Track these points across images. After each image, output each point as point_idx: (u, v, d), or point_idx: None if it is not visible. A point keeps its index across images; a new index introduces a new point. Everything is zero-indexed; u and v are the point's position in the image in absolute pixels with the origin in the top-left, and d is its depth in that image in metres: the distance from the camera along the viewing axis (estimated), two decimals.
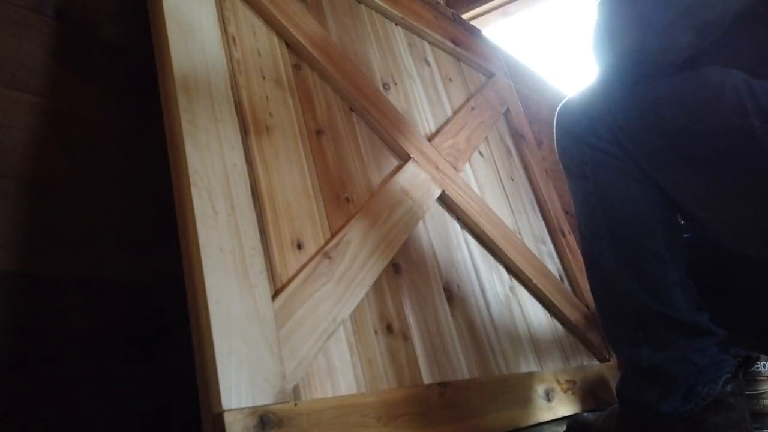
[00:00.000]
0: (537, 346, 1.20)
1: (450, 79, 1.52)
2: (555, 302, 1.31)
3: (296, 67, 1.06)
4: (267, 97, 0.96)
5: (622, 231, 0.82)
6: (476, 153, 1.42)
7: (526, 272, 1.28)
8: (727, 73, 0.73)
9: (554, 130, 0.88)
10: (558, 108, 0.87)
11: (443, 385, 0.90)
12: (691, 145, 0.73)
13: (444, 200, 1.19)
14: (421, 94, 1.36)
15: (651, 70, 0.76)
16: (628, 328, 0.85)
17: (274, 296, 0.77)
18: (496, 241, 1.25)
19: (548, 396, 1.09)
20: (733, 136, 0.69)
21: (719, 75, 0.73)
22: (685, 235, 0.91)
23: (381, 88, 1.23)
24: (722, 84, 0.72)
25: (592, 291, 0.91)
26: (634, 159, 0.80)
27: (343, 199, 0.98)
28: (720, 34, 0.74)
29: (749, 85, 0.70)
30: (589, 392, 1.21)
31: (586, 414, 1.03)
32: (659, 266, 0.81)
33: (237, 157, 0.82)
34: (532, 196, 1.57)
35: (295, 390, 0.73)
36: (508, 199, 1.44)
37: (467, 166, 1.35)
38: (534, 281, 1.29)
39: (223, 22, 0.96)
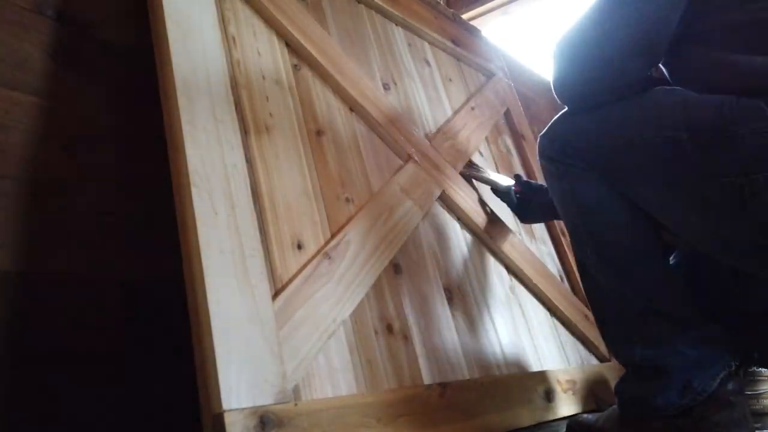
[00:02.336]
0: (537, 346, 1.20)
1: (450, 79, 1.52)
2: (555, 302, 1.31)
3: (296, 67, 1.06)
4: (267, 97, 0.96)
5: (601, 234, 0.88)
6: (476, 153, 1.42)
7: (526, 272, 1.28)
8: (669, 92, 0.80)
9: (537, 158, 0.97)
10: (537, 139, 0.96)
11: (443, 385, 0.90)
12: (636, 157, 0.80)
13: (444, 200, 1.19)
14: (421, 94, 1.36)
15: (608, 97, 0.84)
16: (621, 330, 0.89)
17: (274, 296, 0.77)
18: (496, 241, 1.25)
19: (548, 396, 1.09)
20: (666, 146, 0.76)
21: (662, 95, 0.80)
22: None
23: (381, 88, 1.23)
24: (662, 101, 0.79)
25: (588, 302, 0.97)
26: (599, 171, 0.86)
27: (343, 199, 0.98)
28: (664, 52, 0.82)
29: (685, 100, 0.77)
30: (589, 392, 1.21)
31: (585, 415, 1.03)
32: (643, 263, 0.86)
33: (237, 158, 0.82)
34: None
35: (296, 390, 0.73)
36: None
37: (464, 166, 1.35)
38: (534, 281, 1.29)
39: (223, 23, 0.96)
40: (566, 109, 0.91)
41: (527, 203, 1.25)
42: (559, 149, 0.89)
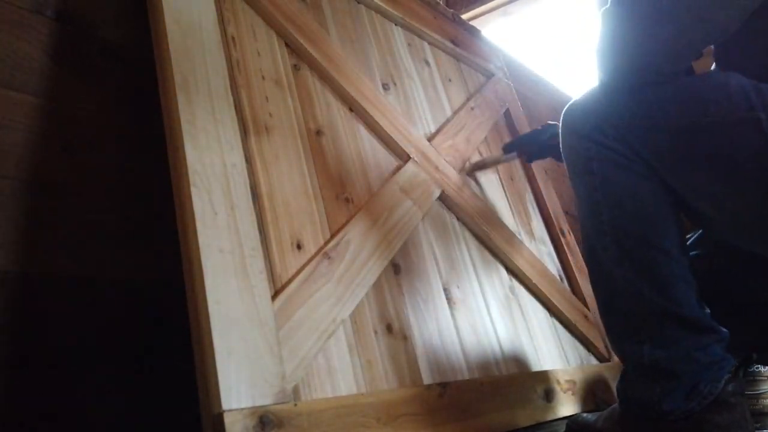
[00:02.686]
0: (537, 346, 1.20)
1: (449, 80, 1.52)
2: (555, 302, 1.31)
3: (296, 67, 1.06)
4: (267, 97, 0.96)
5: (627, 226, 0.82)
6: (476, 153, 1.42)
7: (525, 272, 1.28)
8: (731, 75, 0.74)
9: (560, 130, 0.89)
10: (564, 110, 0.89)
11: (443, 385, 0.90)
12: (698, 140, 0.74)
13: (444, 200, 1.20)
14: (421, 95, 1.36)
15: (656, 78, 0.78)
16: (630, 326, 0.84)
17: (274, 297, 0.77)
18: (496, 241, 1.25)
19: (548, 396, 1.09)
20: (739, 128, 0.71)
21: (724, 76, 0.75)
22: (692, 253, 0.93)
23: (380, 89, 1.23)
24: (727, 83, 0.73)
25: (593, 289, 0.91)
26: (641, 157, 0.81)
27: (343, 199, 0.98)
28: (720, 42, 0.77)
29: (754, 85, 0.71)
30: (589, 392, 1.21)
31: (585, 414, 1.03)
32: (665, 262, 0.81)
33: (237, 158, 0.82)
34: (531, 196, 1.57)
35: (295, 390, 0.73)
36: (507, 199, 1.44)
37: (467, 166, 1.35)
38: (534, 281, 1.29)
39: (222, 23, 0.96)
40: (602, 83, 0.83)
41: (536, 155, 1.30)
42: (595, 126, 0.82)
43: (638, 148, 0.80)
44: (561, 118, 0.89)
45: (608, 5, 0.78)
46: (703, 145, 0.75)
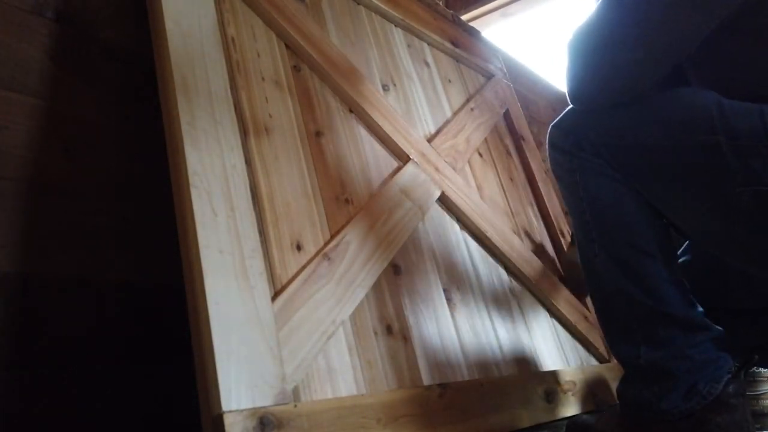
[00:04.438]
0: (536, 346, 1.20)
1: (449, 81, 1.52)
2: (554, 303, 1.31)
3: (296, 68, 1.06)
4: (266, 98, 0.96)
5: (612, 232, 0.85)
6: (476, 154, 1.42)
7: (525, 273, 1.28)
8: (699, 93, 0.77)
9: (547, 149, 0.94)
10: (548, 130, 0.93)
11: (443, 386, 0.90)
12: (664, 160, 0.78)
13: (443, 201, 1.19)
14: (421, 96, 1.36)
15: (621, 99, 0.82)
16: (626, 329, 0.86)
17: (274, 298, 0.77)
18: (496, 242, 1.25)
19: (548, 397, 1.09)
20: (701, 151, 0.73)
21: (692, 95, 0.77)
22: (687, 256, 0.96)
23: (380, 90, 1.23)
24: (693, 103, 0.76)
25: (590, 296, 0.94)
26: (616, 170, 0.84)
27: (343, 200, 0.98)
28: (684, 58, 0.79)
29: (720, 105, 0.73)
30: (589, 393, 1.21)
31: (585, 416, 1.03)
32: (651, 264, 0.84)
33: (236, 159, 0.82)
34: (531, 196, 1.57)
35: (295, 391, 0.73)
36: (507, 199, 1.44)
37: (467, 167, 1.35)
38: (533, 282, 1.29)
39: (222, 24, 0.96)
40: (579, 103, 0.87)
41: None
42: (573, 143, 0.87)
43: (613, 162, 0.84)
44: (547, 137, 0.94)
45: (570, 37, 0.82)
46: (667, 165, 0.78)
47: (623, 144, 0.82)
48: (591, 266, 0.89)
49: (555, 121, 0.91)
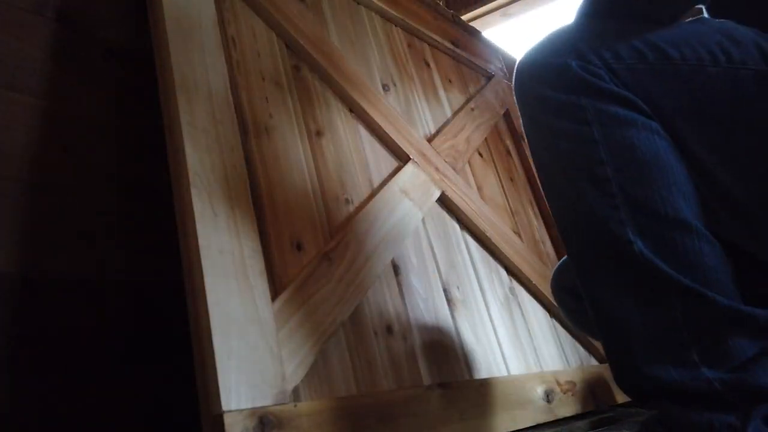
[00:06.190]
0: (536, 346, 1.20)
1: (449, 81, 1.52)
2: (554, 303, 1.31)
3: (296, 68, 1.06)
4: (267, 98, 0.96)
5: (651, 198, 0.58)
6: (476, 154, 1.42)
7: (525, 273, 1.28)
8: (739, 25, 0.62)
9: (515, 85, 0.67)
10: (517, 64, 0.67)
11: (443, 386, 0.90)
12: (704, 90, 0.59)
13: (443, 201, 1.19)
14: (421, 96, 1.36)
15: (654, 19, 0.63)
16: (673, 345, 0.58)
17: (274, 298, 0.77)
18: (496, 242, 1.25)
19: (548, 397, 1.09)
20: (751, 82, 0.58)
21: (732, 24, 0.63)
22: None
23: (380, 89, 1.23)
24: (736, 29, 0.61)
25: (595, 300, 0.63)
26: (653, 109, 0.61)
27: (343, 200, 0.98)
28: None
29: (756, 36, 0.60)
30: (589, 393, 1.21)
31: None
32: (710, 251, 0.58)
33: (237, 159, 0.82)
34: (531, 196, 1.57)
35: (295, 391, 0.73)
36: (507, 199, 1.44)
37: (467, 167, 1.35)
38: (533, 282, 1.29)
39: (222, 24, 0.96)
40: (579, 13, 0.66)
41: None
42: (581, 66, 0.60)
43: (636, 93, 0.61)
44: (516, 72, 0.67)
45: None
46: (709, 97, 0.59)
47: (645, 67, 0.59)
48: (610, 246, 0.59)
49: (529, 49, 0.65)
